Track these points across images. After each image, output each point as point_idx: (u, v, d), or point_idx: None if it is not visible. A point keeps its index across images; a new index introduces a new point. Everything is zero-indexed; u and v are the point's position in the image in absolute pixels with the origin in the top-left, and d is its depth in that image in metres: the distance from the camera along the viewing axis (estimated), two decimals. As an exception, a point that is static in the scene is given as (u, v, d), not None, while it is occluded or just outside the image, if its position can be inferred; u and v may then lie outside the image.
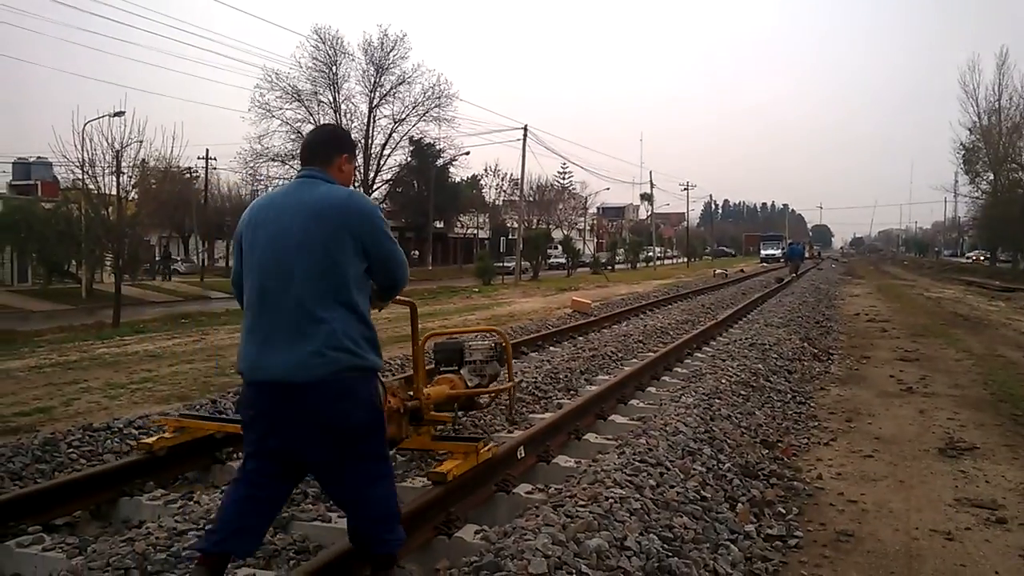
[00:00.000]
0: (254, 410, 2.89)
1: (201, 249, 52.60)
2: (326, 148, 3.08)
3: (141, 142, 22.42)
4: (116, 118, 22.31)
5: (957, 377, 9.34)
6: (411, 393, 4.32)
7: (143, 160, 23.81)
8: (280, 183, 42.31)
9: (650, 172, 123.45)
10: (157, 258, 46.82)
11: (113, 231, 22.21)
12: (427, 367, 4.86)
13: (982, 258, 70.36)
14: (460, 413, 5.45)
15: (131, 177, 23.48)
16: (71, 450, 5.15)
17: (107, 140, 21.80)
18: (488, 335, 6.61)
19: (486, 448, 4.38)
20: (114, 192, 22.38)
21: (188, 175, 46.72)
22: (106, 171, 22.31)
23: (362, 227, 2.87)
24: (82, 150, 22.16)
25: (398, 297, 3.55)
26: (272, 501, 3.01)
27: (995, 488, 5.07)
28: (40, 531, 3.81)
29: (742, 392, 7.43)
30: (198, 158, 49.93)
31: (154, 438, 4.83)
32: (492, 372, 5.53)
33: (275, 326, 2.80)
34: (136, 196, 24.88)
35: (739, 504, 4.53)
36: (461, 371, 5.41)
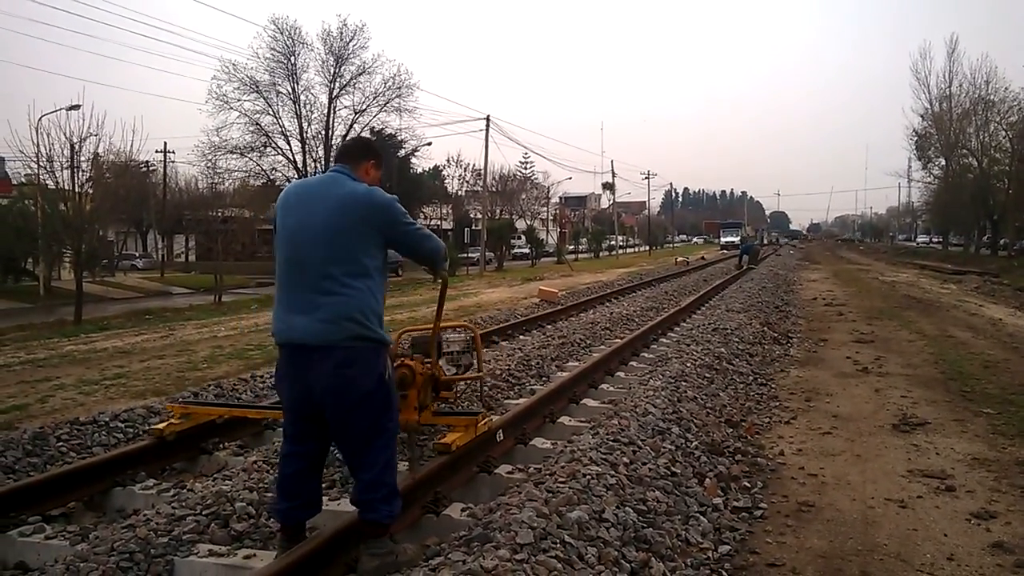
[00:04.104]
0: (282, 370, 3.32)
1: (160, 245, 51.75)
2: (356, 152, 3.57)
3: (98, 136, 22.19)
4: (73, 112, 22.03)
5: (910, 357, 9.75)
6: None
7: (95, 154, 23.43)
8: (239, 176, 41.83)
9: (611, 161, 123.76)
10: (117, 253, 46.02)
11: (72, 226, 21.88)
12: None
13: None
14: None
15: (84, 172, 23.11)
16: (60, 443, 5.25)
17: (64, 134, 21.54)
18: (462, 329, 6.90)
19: (483, 422, 4.75)
20: (71, 187, 22.08)
21: (145, 169, 45.86)
22: (63, 166, 22.01)
23: (382, 219, 3.28)
24: (38, 145, 21.80)
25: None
26: (316, 457, 3.43)
27: (944, 460, 5.41)
28: (40, 521, 3.93)
29: (707, 375, 7.72)
30: (156, 151, 49.10)
31: (164, 423, 5.07)
32: (467, 362, 5.82)
33: (298, 296, 3.22)
34: (91, 191, 24.45)
35: (707, 479, 4.79)
36: (439, 362, 5.64)
